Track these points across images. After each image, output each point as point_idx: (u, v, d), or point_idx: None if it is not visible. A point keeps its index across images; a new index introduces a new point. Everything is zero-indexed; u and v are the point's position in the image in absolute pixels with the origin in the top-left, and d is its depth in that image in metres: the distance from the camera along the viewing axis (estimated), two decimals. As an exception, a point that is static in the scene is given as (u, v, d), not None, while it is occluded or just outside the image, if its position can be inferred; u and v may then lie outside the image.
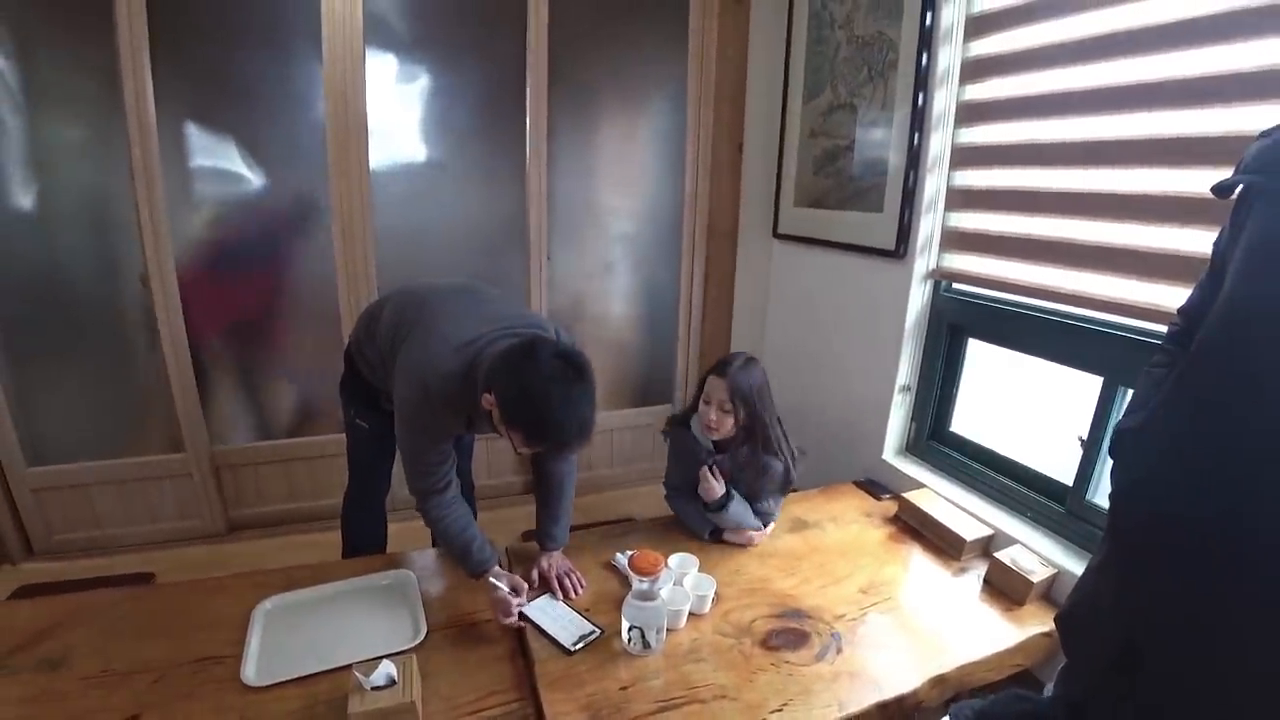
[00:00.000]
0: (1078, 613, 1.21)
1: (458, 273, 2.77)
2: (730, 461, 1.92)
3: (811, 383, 2.86)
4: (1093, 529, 1.93)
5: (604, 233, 3.01)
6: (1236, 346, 0.92)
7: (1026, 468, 2.17)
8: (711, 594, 1.68)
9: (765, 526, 2.02)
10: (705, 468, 1.91)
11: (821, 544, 2.03)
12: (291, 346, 2.67)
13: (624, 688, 1.44)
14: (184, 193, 2.37)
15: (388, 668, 1.32)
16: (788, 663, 1.54)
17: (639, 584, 1.46)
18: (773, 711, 1.40)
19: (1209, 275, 1.09)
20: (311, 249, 2.56)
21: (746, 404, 1.84)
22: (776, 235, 3.06)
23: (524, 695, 1.43)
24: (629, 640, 1.52)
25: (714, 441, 1.93)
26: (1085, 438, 1.93)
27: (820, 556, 1.96)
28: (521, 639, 1.58)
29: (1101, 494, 1.95)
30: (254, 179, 2.44)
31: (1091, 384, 1.89)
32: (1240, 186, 0.97)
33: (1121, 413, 1.64)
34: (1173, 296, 1.58)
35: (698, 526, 2.00)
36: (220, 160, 2.39)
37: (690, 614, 1.65)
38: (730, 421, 1.85)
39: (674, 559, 1.80)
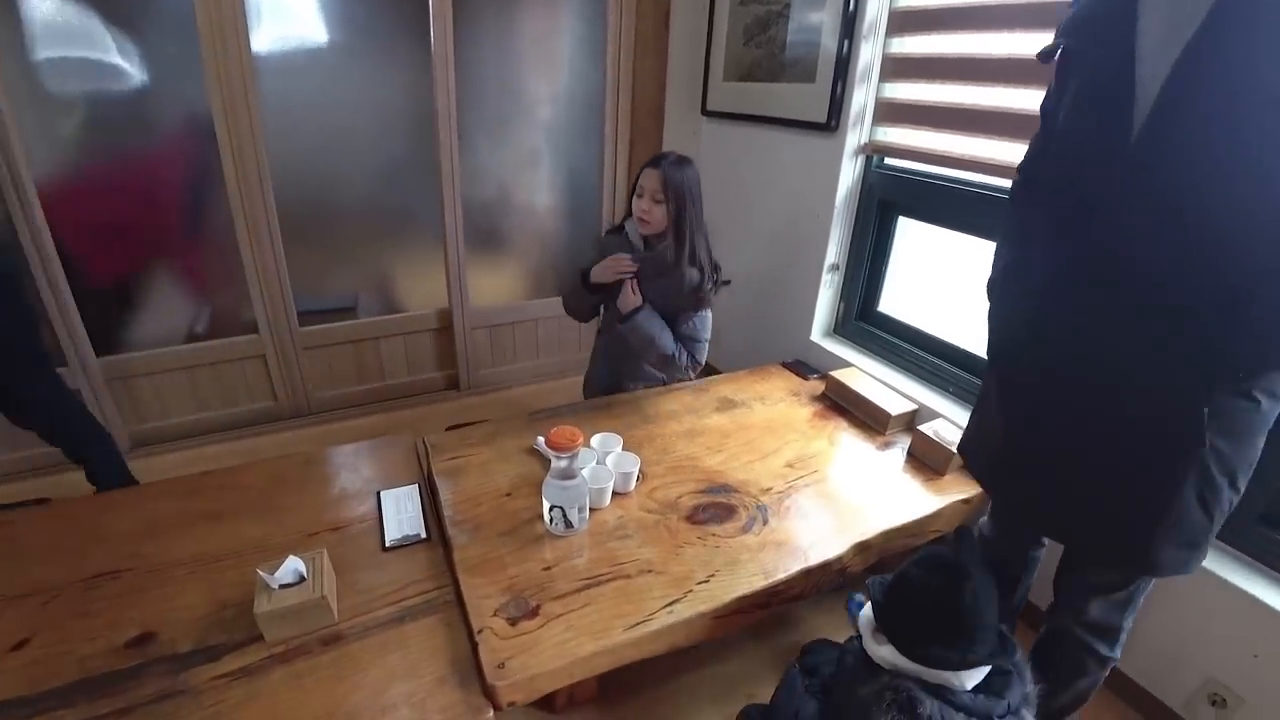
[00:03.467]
0: (970, 434, 1.45)
1: (362, 165, 2.53)
2: (651, 258, 1.87)
3: (741, 264, 2.78)
4: (1012, 400, 1.97)
5: (525, 120, 2.77)
6: (1069, 180, 1.07)
7: (951, 345, 2.18)
8: (636, 471, 1.64)
9: (692, 359, 1.97)
10: (627, 281, 1.89)
11: (748, 422, 2.01)
12: (178, 251, 2.39)
13: (547, 568, 1.39)
14: (32, 87, 2.00)
15: (295, 564, 1.23)
16: (714, 535, 1.52)
17: (557, 461, 1.39)
18: (699, 583, 1.38)
19: (1041, 132, 1.20)
20: (191, 144, 2.26)
21: (677, 197, 1.79)
22: (705, 113, 2.90)
23: (444, 583, 1.36)
24: (550, 521, 1.46)
25: (644, 240, 1.89)
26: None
27: (747, 434, 1.94)
28: (442, 528, 1.51)
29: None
30: (109, 63, 2.07)
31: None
32: (1060, 50, 1.10)
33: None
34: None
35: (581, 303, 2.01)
36: (68, 48, 2.01)
37: (615, 493, 1.60)
38: (661, 212, 1.81)
39: (596, 439, 1.74)
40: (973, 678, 1.10)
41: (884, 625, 1.17)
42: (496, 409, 2.88)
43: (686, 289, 1.87)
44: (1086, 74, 1.04)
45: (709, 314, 1.96)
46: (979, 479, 1.46)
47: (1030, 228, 1.18)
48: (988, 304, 1.32)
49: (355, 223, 2.59)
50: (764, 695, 1.58)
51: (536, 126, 2.82)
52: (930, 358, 2.21)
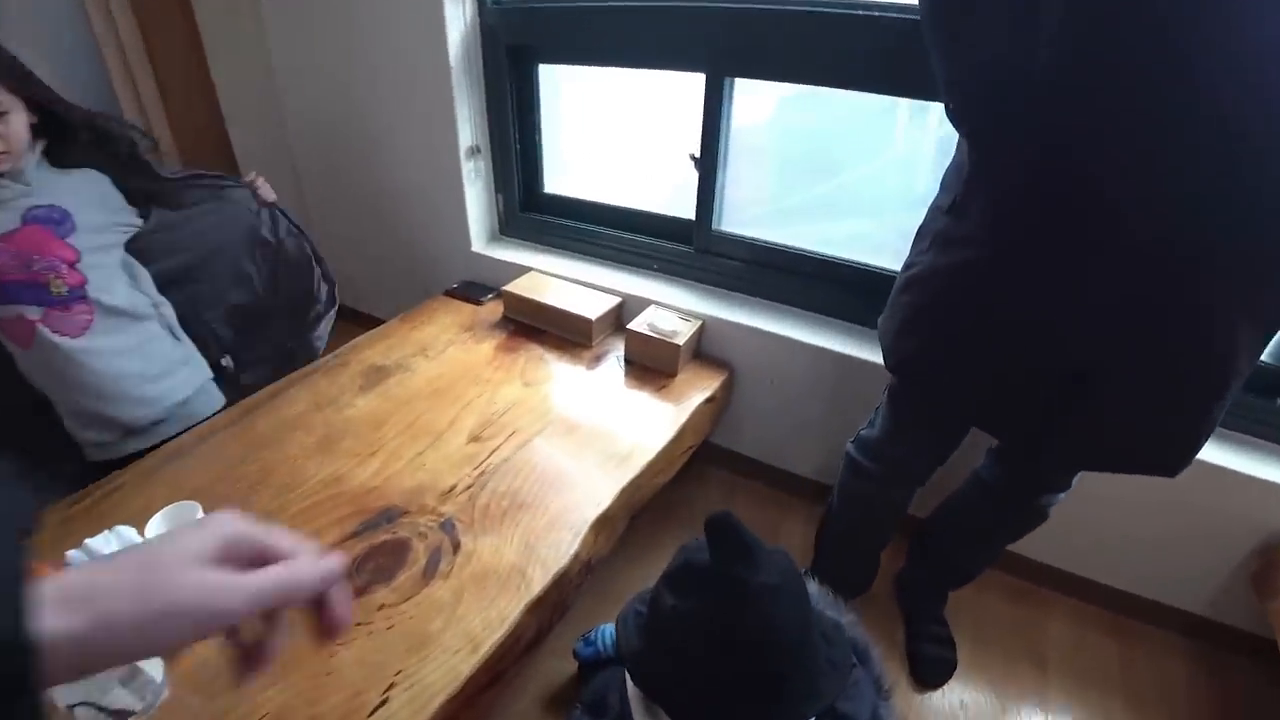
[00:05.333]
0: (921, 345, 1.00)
1: None
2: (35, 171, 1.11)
3: (364, 173, 2.04)
4: (726, 261, 1.62)
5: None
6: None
7: (644, 213, 1.75)
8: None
9: None
10: None
11: (410, 391, 1.41)
12: None
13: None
14: None
15: None
16: (383, 607, 0.95)
17: None
18: (374, 711, 0.83)
19: None
20: None
21: (23, 81, 1.05)
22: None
23: None
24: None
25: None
26: (698, 154, 1.53)
27: (410, 411, 1.35)
28: None
29: (728, 220, 1.62)
30: None
31: (694, 86, 1.47)
32: None
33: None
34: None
35: None
36: None
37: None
38: (21, 122, 1.05)
39: (155, 522, 1.01)
40: (809, 724, 0.70)
41: (652, 692, 0.72)
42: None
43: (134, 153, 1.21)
44: None
45: None
46: (929, 396, 1.06)
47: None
48: (968, 191, 0.89)
49: None
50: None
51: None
52: (622, 234, 1.77)
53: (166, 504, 1.04)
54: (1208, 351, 0.81)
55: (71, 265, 1.14)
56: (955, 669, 1.36)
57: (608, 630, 1.23)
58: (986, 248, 0.87)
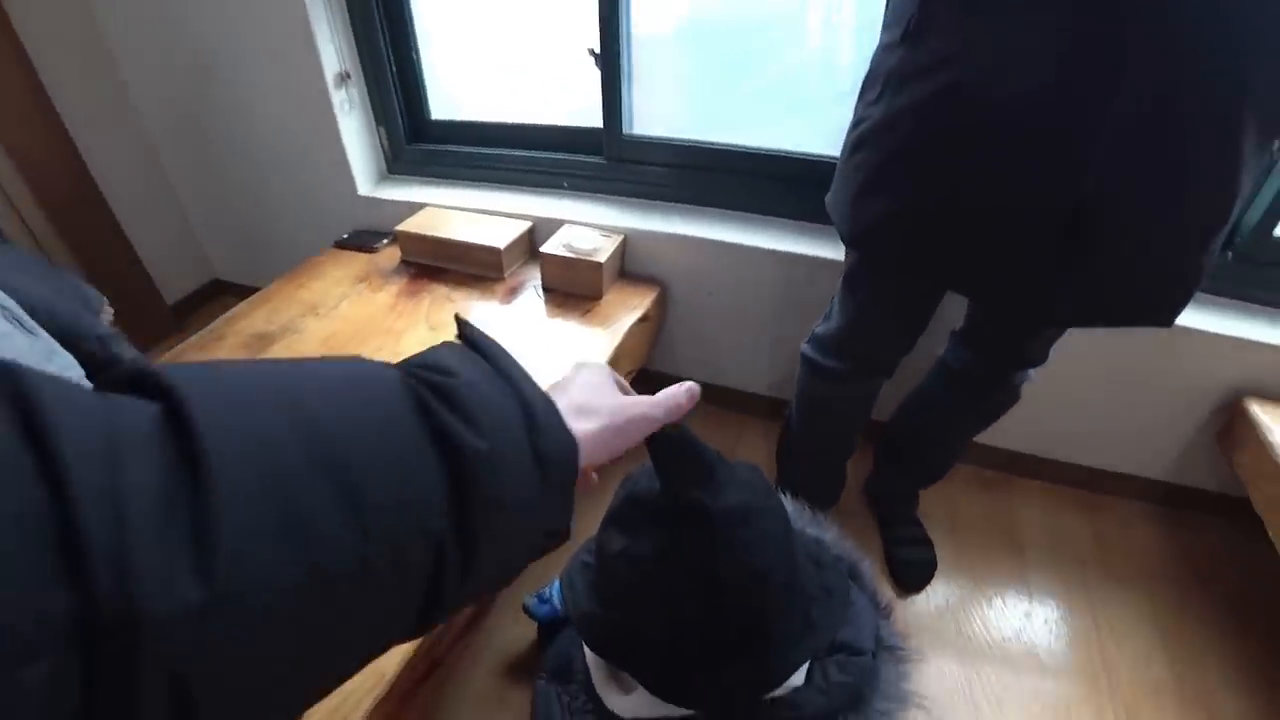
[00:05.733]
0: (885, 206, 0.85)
1: None
2: None
3: (225, 122, 1.76)
4: (644, 167, 1.46)
5: None
6: None
7: (546, 127, 1.57)
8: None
9: None
10: None
11: (301, 355, 1.22)
12: None
13: None
14: None
15: None
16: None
17: None
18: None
19: None
20: None
21: None
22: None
23: None
24: None
25: None
26: (597, 49, 1.35)
27: (303, 376, 1.17)
28: None
29: (640, 122, 1.45)
30: None
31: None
32: None
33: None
34: None
35: None
36: None
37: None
38: None
39: None
40: (801, 670, 0.58)
41: (612, 657, 0.59)
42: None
43: None
44: None
45: None
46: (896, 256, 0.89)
47: None
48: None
49: None
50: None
51: None
52: (524, 153, 1.58)
53: None
54: (1219, 170, 0.69)
55: None
56: (936, 568, 1.29)
57: (562, 585, 1.11)
58: (961, 67, 0.72)
